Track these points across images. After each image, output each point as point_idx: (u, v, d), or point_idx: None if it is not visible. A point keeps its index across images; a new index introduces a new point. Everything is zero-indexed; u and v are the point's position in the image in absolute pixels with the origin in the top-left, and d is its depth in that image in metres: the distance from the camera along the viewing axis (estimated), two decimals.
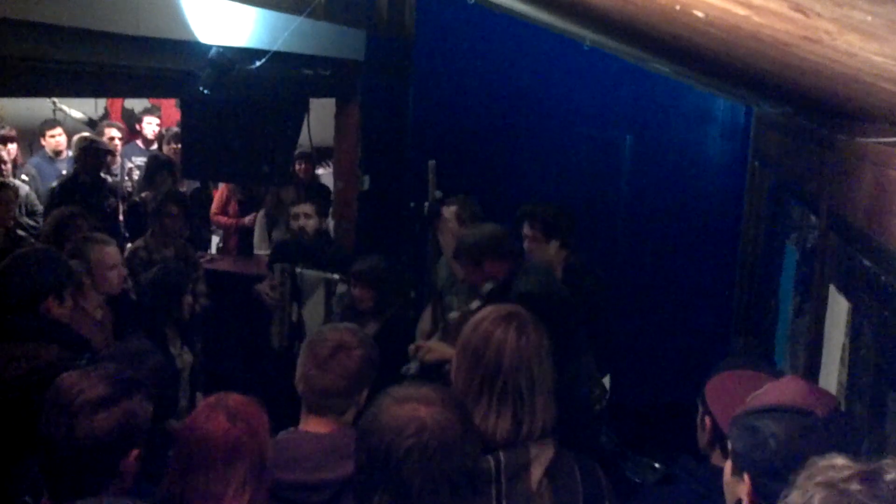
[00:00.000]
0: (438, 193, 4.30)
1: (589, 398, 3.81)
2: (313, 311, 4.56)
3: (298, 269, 4.60)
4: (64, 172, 7.00)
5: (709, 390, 1.95)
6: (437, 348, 3.44)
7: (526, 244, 4.16)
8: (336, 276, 4.54)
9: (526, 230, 4.19)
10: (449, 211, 4.39)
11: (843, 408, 1.94)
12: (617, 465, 4.55)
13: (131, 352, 2.56)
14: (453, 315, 3.87)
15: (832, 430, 1.55)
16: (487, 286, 3.57)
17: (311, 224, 4.82)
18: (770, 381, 1.75)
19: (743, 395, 1.72)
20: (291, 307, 4.61)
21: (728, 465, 1.66)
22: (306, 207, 4.89)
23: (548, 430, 1.96)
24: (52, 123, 7.24)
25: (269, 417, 1.98)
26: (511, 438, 1.90)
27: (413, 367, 3.53)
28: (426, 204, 4.15)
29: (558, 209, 4.30)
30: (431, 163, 4.12)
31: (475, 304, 3.70)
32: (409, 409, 1.60)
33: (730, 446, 1.65)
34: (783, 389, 1.66)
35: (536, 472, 1.91)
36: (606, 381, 4.41)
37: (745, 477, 1.57)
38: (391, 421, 1.59)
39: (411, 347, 3.54)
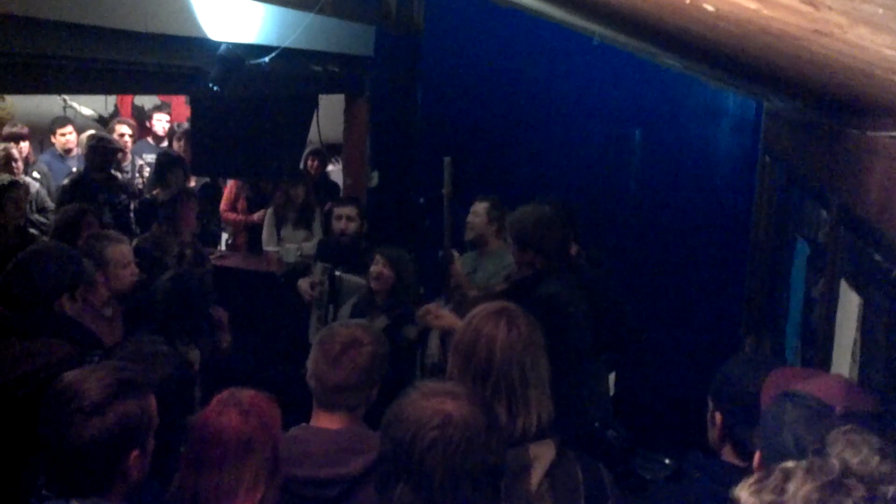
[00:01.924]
0: (446, 190, 4.29)
1: (594, 407, 3.76)
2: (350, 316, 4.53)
3: (338, 273, 4.59)
4: (74, 170, 7.03)
5: (766, 385, 1.94)
6: (445, 316, 3.41)
7: None
8: None
9: None
10: (481, 206, 4.45)
11: None
12: (626, 460, 4.54)
13: (149, 353, 2.55)
14: (474, 292, 3.87)
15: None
16: (517, 274, 3.57)
17: (352, 226, 4.80)
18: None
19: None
20: (329, 308, 4.60)
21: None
22: (349, 210, 4.85)
23: (545, 426, 1.96)
24: (62, 122, 7.27)
25: (281, 413, 1.99)
26: (507, 433, 1.90)
27: (413, 330, 3.53)
28: (440, 253, 4.13)
29: (565, 203, 4.25)
30: (447, 159, 4.10)
31: (500, 286, 3.72)
32: (436, 402, 1.61)
33: (758, 427, 1.67)
34: (819, 383, 1.70)
35: (537, 474, 1.90)
36: (611, 378, 4.40)
37: (757, 454, 1.61)
38: (417, 413, 1.60)
39: (420, 311, 3.52)
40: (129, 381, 1.88)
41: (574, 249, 4.20)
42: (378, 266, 4.06)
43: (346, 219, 4.79)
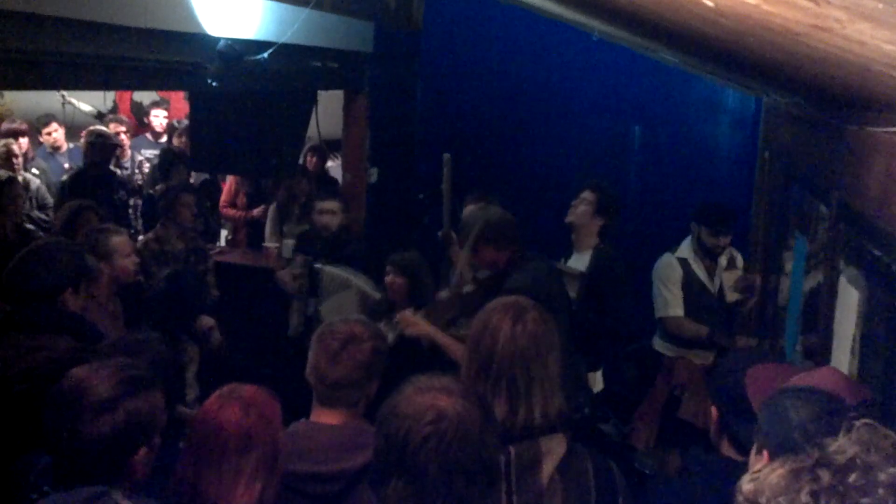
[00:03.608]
0: (445, 186, 4.29)
1: (573, 401, 3.78)
2: (335, 311, 4.49)
3: (317, 265, 4.59)
4: (66, 165, 7.04)
5: (749, 381, 1.94)
6: (418, 323, 3.42)
7: (576, 203, 4.28)
8: (377, 295, 4.39)
9: (586, 195, 4.29)
10: (473, 208, 4.44)
11: None
12: (625, 456, 4.55)
13: (132, 342, 2.55)
14: (443, 294, 3.89)
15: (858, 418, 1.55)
16: (483, 272, 3.58)
17: (334, 221, 4.80)
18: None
19: (782, 384, 1.73)
20: (309, 301, 4.60)
21: (754, 447, 1.67)
22: (332, 204, 4.85)
23: (554, 420, 1.96)
24: (46, 120, 7.26)
25: (281, 408, 2.00)
26: (507, 426, 1.91)
27: (391, 336, 3.50)
28: (439, 233, 4.14)
29: (617, 196, 4.45)
30: (447, 156, 4.11)
31: (468, 287, 3.73)
32: (430, 397, 1.61)
33: (757, 427, 1.66)
34: (819, 376, 1.69)
35: (547, 468, 1.91)
36: (599, 375, 4.41)
37: (764, 454, 1.58)
38: (410, 408, 1.60)
39: (396, 317, 3.55)
40: (139, 378, 1.89)
41: (594, 241, 4.25)
42: (389, 276, 4.06)
43: (329, 213, 4.80)
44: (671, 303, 4.42)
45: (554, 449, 1.93)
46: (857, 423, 1.19)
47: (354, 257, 4.73)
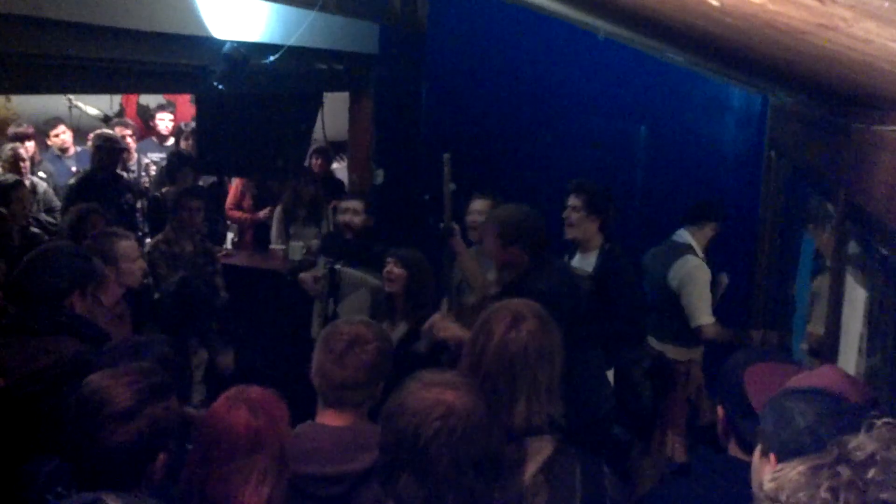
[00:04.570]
0: (452, 186, 4.30)
1: (597, 399, 3.77)
2: (352, 311, 4.49)
3: (338, 266, 4.60)
4: (74, 168, 7.07)
5: (748, 380, 1.93)
6: (450, 328, 3.41)
7: (567, 214, 4.18)
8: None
9: (573, 201, 4.20)
10: (483, 204, 4.42)
11: None
12: (633, 459, 4.55)
13: (136, 343, 2.56)
14: (470, 299, 3.88)
15: (864, 417, 1.54)
16: (507, 275, 3.56)
17: (357, 220, 4.78)
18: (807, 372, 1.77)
19: (782, 384, 1.72)
20: (328, 301, 4.61)
21: (757, 449, 1.66)
22: (355, 203, 4.85)
23: (536, 428, 1.97)
24: (54, 122, 7.30)
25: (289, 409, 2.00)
26: None
27: (423, 343, 3.53)
28: (441, 225, 4.12)
29: (604, 189, 4.33)
30: (446, 155, 4.12)
31: (493, 289, 3.71)
32: (436, 392, 1.64)
33: (760, 429, 1.65)
34: (820, 375, 1.68)
35: (531, 468, 1.92)
36: (610, 374, 4.41)
37: (771, 457, 1.57)
38: (418, 404, 1.62)
39: (426, 324, 3.53)
40: (159, 386, 1.90)
41: (598, 241, 4.21)
42: (388, 266, 4.04)
43: (351, 212, 4.79)
44: (707, 310, 4.35)
45: (540, 450, 1.94)
46: (878, 421, 1.19)
47: (378, 258, 4.71)
